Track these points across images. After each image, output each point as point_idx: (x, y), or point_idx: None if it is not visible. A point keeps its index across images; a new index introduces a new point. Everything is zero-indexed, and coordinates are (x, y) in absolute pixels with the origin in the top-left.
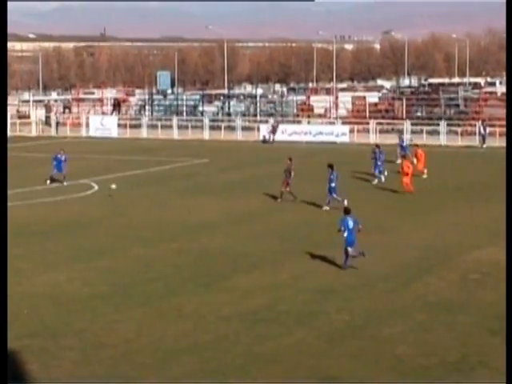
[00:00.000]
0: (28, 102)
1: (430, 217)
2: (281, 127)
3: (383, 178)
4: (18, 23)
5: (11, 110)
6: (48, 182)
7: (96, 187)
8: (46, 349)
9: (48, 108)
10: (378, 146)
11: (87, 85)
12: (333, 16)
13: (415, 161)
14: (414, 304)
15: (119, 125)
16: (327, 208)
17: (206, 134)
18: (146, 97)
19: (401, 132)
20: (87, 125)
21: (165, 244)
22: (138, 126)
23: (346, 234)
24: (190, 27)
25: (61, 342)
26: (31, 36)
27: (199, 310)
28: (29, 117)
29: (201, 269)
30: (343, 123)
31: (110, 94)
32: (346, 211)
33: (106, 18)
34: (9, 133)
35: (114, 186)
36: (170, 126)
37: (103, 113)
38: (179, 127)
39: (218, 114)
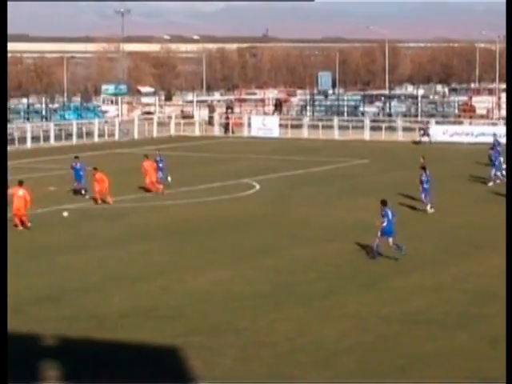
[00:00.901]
0: (192, 102)
1: None
2: (442, 128)
3: (493, 182)
4: (183, 25)
5: (175, 111)
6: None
7: (257, 186)
8: (209, 346)
9: (211, 108)
10: (492, 148)
11: (249, 85)
12: (496, 15)
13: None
14: None
15: (281, 125)
16: (432, 210)
17: (367, 135)
18: (308, 97)
19: (495, 134)
20: (249, 125)
21: (326, 243)
22: (299, 127)
23: (385, 224)
24: (351, 28)
25: (222, 340)
26: (195, 37)
27: (360, 310)
28: (192, 117)
29: (362, 269)
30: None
31: (271, 94)
32: (384, 203)
33: (268, 18)
34: (173, 132)
35: (65, 214)
36: (331, 127)
37: (265, 113)
38: (340, 127)
39: (378, 114)
